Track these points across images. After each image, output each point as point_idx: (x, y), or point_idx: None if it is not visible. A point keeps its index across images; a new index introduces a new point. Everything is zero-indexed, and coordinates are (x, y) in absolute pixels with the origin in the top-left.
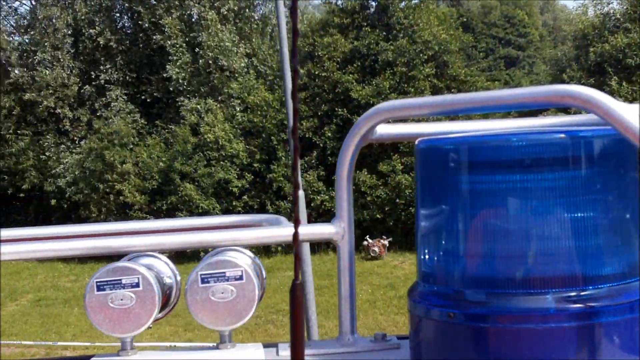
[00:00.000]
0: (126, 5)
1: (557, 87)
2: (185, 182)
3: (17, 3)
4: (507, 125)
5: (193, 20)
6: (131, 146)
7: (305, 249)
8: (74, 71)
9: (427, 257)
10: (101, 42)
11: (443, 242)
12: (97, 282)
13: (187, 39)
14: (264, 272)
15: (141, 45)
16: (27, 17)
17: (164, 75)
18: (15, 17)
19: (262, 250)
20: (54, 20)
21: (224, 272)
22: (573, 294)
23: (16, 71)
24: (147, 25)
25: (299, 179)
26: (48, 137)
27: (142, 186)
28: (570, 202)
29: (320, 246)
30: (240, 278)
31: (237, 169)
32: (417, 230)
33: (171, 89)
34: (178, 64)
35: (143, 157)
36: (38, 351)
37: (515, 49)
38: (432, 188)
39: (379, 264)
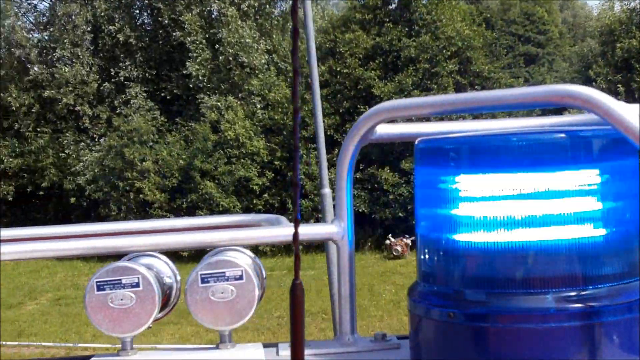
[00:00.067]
0: (146, 1)
1: (557, 87)
2: (206, 180)
3: (37, 0)
4: (507, 125)
5: (213, 16)
6: (151, 144)
7: (332, 248)
8: (93, 68)
9: (427, 256)
10: (121, 39)
11: (443, 241)
12: (97, 282)
13: (207, 36)
14: (264, 272)
15: (161, 42)
16: (47, 14)
17: (184, 72)
18: (35, 14)
19: (283, 249)
20: (73, 17)
21: (224, 272)
22: (573, 293)
23: (35, 68)
24: (167, 21)
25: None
26: (67, 134)
27: (162, 184)
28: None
29: None
30: (240, 278)
31: (257, 167)
32: (417, 230)
33: (191, 85)
34: (198, 60)
35: (163, 154)
36: (58, 352)
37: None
38: (431, 188)
39: (401, 263)
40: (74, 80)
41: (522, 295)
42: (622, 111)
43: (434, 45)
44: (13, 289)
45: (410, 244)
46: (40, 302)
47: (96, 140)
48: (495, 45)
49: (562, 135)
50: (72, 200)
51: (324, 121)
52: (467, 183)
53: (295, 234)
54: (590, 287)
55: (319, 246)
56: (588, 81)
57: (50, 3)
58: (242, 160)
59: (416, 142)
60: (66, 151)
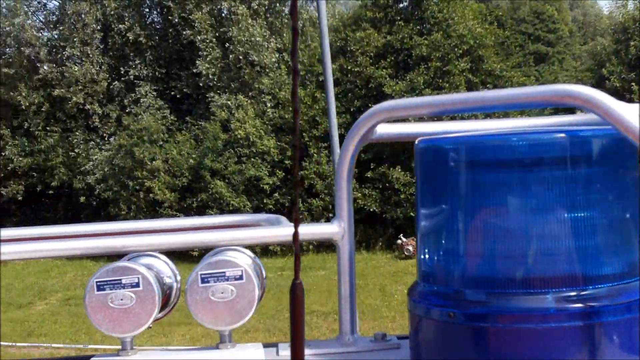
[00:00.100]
0: (155, 0)
1: (557, 87)
2: (216, 179)
3: None
4: (507, 125)
5: (223, 15)
6: (161, 143)
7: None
8: (103, 67)
9: (427, 256)
10: (130, 38)
11: (443, 241)
12: (97, 282)
13: (217, 34)
14: (264, 272)
15: (171, 41)
16: (56, 13)
17: (194, 70)
18: (44, 12)
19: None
20: (83, 16)
21: (224, 272)
22: (573, 293)
23: (45, 67)
24: (176, 20)
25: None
26: (77, 133)
27: (172, 183)
28: (570, 202)
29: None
30: (240, 278)
31: (268, 166)
32: (417, 230)
33: (201, 84)
34: (208, 59)
35: (173, 153)
36: (68, 353)
37: (544, 45)
38: (432, 188)
39: (412, 263)
40: (84, 79)
41: (522, 295)
42: (622, 111)
43: (446, 43)
44: (23, 289)
45: None
46: (50, 302)
47: (106, 139)
48: (506, 43)
49: (562, 135)
50: (82, 199)
51: None
52: (467, 182)
53: (295, 234)
54: (590, 287)
55: (329, 246)
56: (601, 79)
57: (60, 2)
58: (252, 159)
59: (416, 142)
60: (76, 150)
